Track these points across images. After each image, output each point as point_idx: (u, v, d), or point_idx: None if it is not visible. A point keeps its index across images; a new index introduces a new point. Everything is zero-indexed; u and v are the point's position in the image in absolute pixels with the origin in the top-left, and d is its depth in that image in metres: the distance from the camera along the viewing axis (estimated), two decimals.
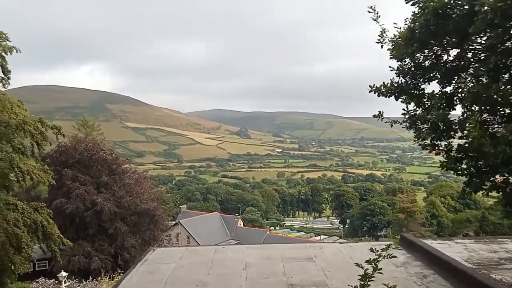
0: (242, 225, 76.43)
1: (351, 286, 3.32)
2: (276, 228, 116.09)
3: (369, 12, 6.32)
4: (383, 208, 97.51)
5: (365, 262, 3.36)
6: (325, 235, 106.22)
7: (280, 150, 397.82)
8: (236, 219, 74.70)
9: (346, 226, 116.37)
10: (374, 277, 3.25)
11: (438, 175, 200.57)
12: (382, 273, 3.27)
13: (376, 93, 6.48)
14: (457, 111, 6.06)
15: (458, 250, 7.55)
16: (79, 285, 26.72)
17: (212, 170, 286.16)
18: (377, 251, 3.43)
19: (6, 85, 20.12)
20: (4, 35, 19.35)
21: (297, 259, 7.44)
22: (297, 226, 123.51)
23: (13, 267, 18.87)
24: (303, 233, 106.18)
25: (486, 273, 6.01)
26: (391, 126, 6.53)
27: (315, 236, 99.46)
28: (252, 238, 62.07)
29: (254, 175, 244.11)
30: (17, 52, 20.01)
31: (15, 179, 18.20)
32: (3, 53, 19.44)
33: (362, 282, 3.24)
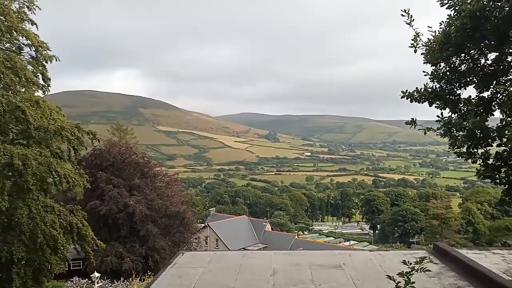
0: (270, 229, 76.29)
1: None
2: (305, 232, 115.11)
3: (402, 15, 6.16)
4: (416, 214, 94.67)
5: (397, 274, 3.26)
6: (355, 240, 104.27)
7: (309, 153, 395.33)
8: (264, 223, 74.68)
9: (377, 232, 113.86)
10: None
11: (474, 181, 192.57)
12: (414, 287, 3.17)
13: (409, 99, 6.31)
14: (495, 118, 5.80)
15: (495, 261, 7.21)
16: (111, 285, 27.45)
17: (241, 174, 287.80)
18: (410, 263, 3.33)
19: (46, 92, 21.09)
20: (45, 45, 20.27)
21: (326, 267, 7.32)
22: (326, 231, 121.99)
23: (49, 267, 19.61)
24: (332, 238, 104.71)
25: None
26: (425, 133, 6.33)
27: (344, 242, 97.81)
28: (280, 242, 61.86)
29: (282, 179, 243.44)
30: (56, 61, 20.95)
31: (53, 182, 18.93)
32: (44, 62, 20.38)
33: None
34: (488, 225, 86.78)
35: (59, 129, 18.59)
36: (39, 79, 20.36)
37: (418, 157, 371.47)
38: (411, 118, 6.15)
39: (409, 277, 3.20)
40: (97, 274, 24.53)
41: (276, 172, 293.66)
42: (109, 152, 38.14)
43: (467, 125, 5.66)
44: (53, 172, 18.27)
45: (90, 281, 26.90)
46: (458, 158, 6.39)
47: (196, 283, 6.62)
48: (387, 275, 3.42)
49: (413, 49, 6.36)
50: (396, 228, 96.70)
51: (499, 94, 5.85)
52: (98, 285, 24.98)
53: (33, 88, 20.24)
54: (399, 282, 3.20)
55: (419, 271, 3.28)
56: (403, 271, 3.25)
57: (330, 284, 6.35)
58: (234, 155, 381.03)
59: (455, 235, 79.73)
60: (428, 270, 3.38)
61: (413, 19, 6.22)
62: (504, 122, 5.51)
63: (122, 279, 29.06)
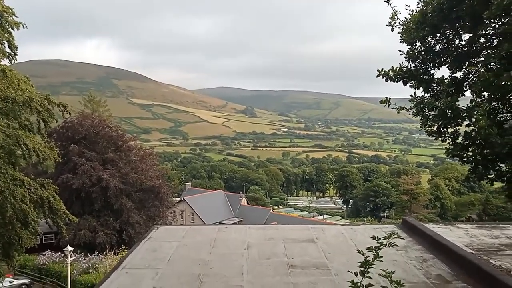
0: (245, 203, 77.21)
1: (351, 272, 3.34)
2: (280, 207, 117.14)
3: None
4: (387, 189, 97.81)
5: (366, 249, 3.37)
6: (328, 215, 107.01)
7: (286, 129, 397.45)
8: (240, 197, 75.44)
9: (349, 206, 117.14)
10: (374, 264, 3.27)
11: (444, 158, 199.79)
12: (382, 261, 3.28)
13: (384, 78, 6.36)
14: (466, 98, 5.94)
15: (459, 235, 7.55)
16: (84, 259, 27.35)
17: (218, 148, 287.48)
18: (379, 238, 3.44)
19: (13, 61, 20.07)
20: (11, 10, 19.16)
21: (299, 241, 7.49)
22: (301, 206, 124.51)
23: (20, 241, 19.28)
24: (306, 212, 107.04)
25: (486, 258, 6.03)
26: (398, 112, 6.44)
27: (318, 216, 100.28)
28: (255, 216, 62.81)
29: (259, 154, 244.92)
30: (23, 27, 19.86)
31: (22, 155, 18.35)
32: (9, 29, 19.30)
33: (362, 269, 3.27)
34: (454, 200, 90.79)
35: (28, 100, 17.88)
36: (4, 46, 19.36)
37: (392, 134, 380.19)
38: (386, 97, 6.23)
39: (378, 251, 3.31)
40: (70, 248, 24.36)
41: (253, 148, 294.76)
42: (81, 125, 37.20)
43: (439, 105, 5.78)
44: (22, 145, 17.69)
45: (63, 255, 26.71)
46: (429, 136, 6.56)
47: (170, 257, 6.66)
48: (356, 249, 3.53)
49: (390, 27, 6.37)
50: (368, 203, 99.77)
51: (470, 75, 5.97)
52: (71, 258, 24.83)
53: None
54: (368, 256, 3.31)
55: (387, 245, 3.39)
56: (372, 246, 3.35)
57: (302, 257, 6.51)
58: (210, 129, 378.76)
59: (423, 210, 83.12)
60: (396, 245, 3.50)
61: None
62: (473, 103, 5.66)
63: (96, 252, 28.96)
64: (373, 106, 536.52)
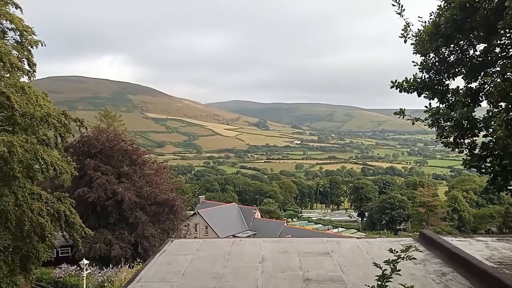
0: (259, 216, 76.81)
1: (368, 286, 3.29)
2: (294, 220, 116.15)
3: (393, 5, 6.15)
4: (403, 201, 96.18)
5: (384, 262, 3.32)
6: (343, 227, 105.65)
7: (299, 141, 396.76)
8: (253, 210, 75.13)
9: (365, 219, 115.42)
10: (392, 277, 3.21)
11: (460, 169, 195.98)
12: (400, 275, 3.23)
13: (398, 89, 6.34)
14: (482, 108, 5.87)
15: (479, 248, 7.37)
16: (99, 272, 27.46)
17: (231, 161, 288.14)
18: (396, 251, 3.39)
19: (32, 78, 20.66)
20: (30, 29, 19.78)
21: (314, 254, 7.41)
22: (315, 218, 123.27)
23: (37, 254, 19.51)
24: (320, 225, 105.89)
25: (508, 272, 5.87)
26: (413, 124, 6.40)
27: (333, 229, 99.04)
28: (269, 230, 62.38)
29: (272, 167, 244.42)
30: (42, 45, 20.47)
31: (39, 169, 18.69)
32: (29, 47, 19.91)
33: (379, 283, 3.21)
34: (473, 212, 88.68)
35: (46, 116, 18.28)
36: (24, 64, 19.91)
37: (407, 145, 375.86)
38: (400, 109, 6.20)
39: (395, 265, 3.25)
40: (85, 261, 24.52)
41: (266, 160, 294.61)
42: (97, 139, 37.78)
43: (455, 115, 5.72)
44: (40, 159, 18.03)
45: (79, 268, 26.87)
46: (445, 147, 6.49)
47: (185, 270, 6.66)
48: (373, 263, 3.48)
49: (403, 39, 6.37)
50: (383, 216, 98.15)
51: (486, 85, 5.91)
52: (87, 272, 24.97)
53: (18, 74, 19.77)
54: (386, 269, 3.26)
55: (405, 258, 3.34)
56: (389, 259, 3.30)
57: (318, 270, 6.44)
58: (224, 142, 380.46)
59: (441, 223, 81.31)
60: (414, 258, 3.44)
61: (404, 9, 6.22)
62: (490, 113, 5.58)
63: (111, 266, 29.05)
64: (387, 118, 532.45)
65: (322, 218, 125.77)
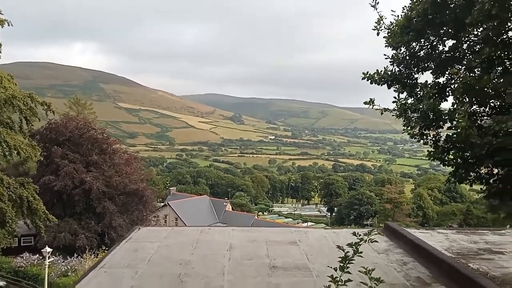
0: (230, 209, 76.89)
1: (331, 267, 3.34)
2: (265, 213, 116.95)
3: None
4: (371, 198, 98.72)
5: (347, 245, 3.37)
6: (312, 222, 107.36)
7: (273, 137, 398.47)
8: (225, 203, 75.12)
9: (334, 214, 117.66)
10: (354, 259, 3.27)
11: (427, 168, 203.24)
12: (362, 257, 3.29)
13: (369, 81, 6.44)
14: (448, 104, 6.06)
15: (439, 239, 7.63)
16: (63, 261, 26.76)
17: (204, 154, 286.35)
18: (360, 235, 3.46)
19: None
20: None
21: (282, 243, 7.47)
22: (285, 212, 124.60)
23: None
24: (290, 219, 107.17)
25: (464, 262, 6.11)
26: (381, 114, 6.52)
27: (302, 223, 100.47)
28: (240, 222, 62.46)
29: (245, 161, 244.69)
30: (8, 25, 19.48)
31: (2, 153, 17.95)
32: None
33: (341, 264, 3.27)
34: (436, 210, 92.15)
35: (10, 98, 17.56)
36: None
37: (377, 144, 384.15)
38: (370, 98, 6.30)
39: (358, 247, 3.32)
40: (48, 249, 23.75)
41: (240, 154, 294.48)
42: (65, 127, 36.64)
43: (421, 107, 5.87)
44: (2, 143, 17.30)
45: (41, 257, 26.09)
46: (414, 146, 6.67)
47: (151, 257, 6.56)
48: (337, 245, 3.53)
49: (376, 33, 6.47)
50: (352, 211, 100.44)
51: (453, 81, 6.09)
52: (50, 260, 24.22)
53: None
54: (348, 252, 3.31)
55: (367, 242, 3.41)
56: (352, 242, 3.37)
57: (284, 259, 6.49)
58: (197, 135, 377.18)
59: (406, 219, 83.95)
60: (376, 241, 3.52)
61: (378, 2, 6.31)
62: (455, 106, 5.76)
63: (75, 255, 28.40)
64: (359, 116, 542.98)
65: (293, 212, 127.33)
